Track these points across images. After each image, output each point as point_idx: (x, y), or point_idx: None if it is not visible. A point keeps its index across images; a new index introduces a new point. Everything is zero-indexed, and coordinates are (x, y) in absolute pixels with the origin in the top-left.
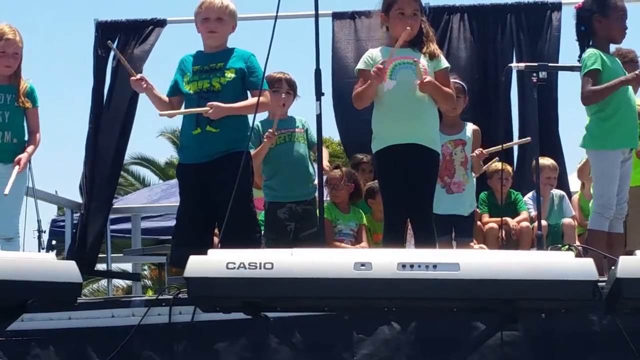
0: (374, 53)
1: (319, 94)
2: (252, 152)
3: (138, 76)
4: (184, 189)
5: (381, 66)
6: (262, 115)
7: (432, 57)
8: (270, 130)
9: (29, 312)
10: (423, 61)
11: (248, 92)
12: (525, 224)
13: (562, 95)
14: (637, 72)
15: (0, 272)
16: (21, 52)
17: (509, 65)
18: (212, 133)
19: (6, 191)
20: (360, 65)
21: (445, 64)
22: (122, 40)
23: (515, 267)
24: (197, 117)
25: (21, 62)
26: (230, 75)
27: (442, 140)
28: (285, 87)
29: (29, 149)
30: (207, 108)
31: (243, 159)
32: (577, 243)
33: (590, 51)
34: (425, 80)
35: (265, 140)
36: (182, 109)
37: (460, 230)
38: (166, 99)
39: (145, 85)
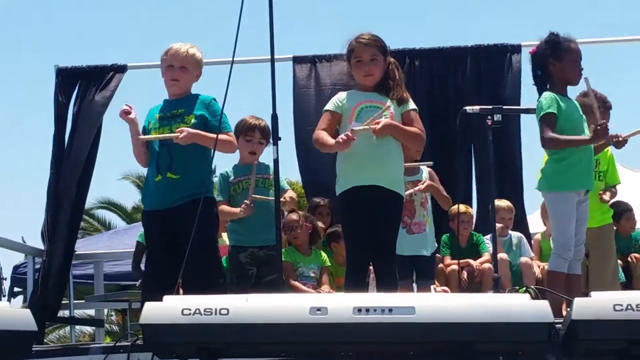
0: (343, 96)
1: (275, 138)
2: (221, 204)
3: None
4: (150, 237)
5: (351, 135)
6: (234, 160)
7: (400, 102)
8: (247, 202)
9: None
10: (391, 106)
11: None
12: (487, 265)
13: (526, 138)
14: (599, 130)
15: None
16: None
17: (464, 108)
18: (173, 180)
19: None
20: (328, 106)
21: (411, 105)
22: (83, 87)
23: (470, 309)
24: (157, 164)
25: None
26: (190, 120)
27: None
28: (258, 137)
29: None
30: (177, 134)
31: (201, 205)
32: (535, 283)
33: (545, 95)
34: (378, 127)
35: (241, 210)
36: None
37: (422, 272)
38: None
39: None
